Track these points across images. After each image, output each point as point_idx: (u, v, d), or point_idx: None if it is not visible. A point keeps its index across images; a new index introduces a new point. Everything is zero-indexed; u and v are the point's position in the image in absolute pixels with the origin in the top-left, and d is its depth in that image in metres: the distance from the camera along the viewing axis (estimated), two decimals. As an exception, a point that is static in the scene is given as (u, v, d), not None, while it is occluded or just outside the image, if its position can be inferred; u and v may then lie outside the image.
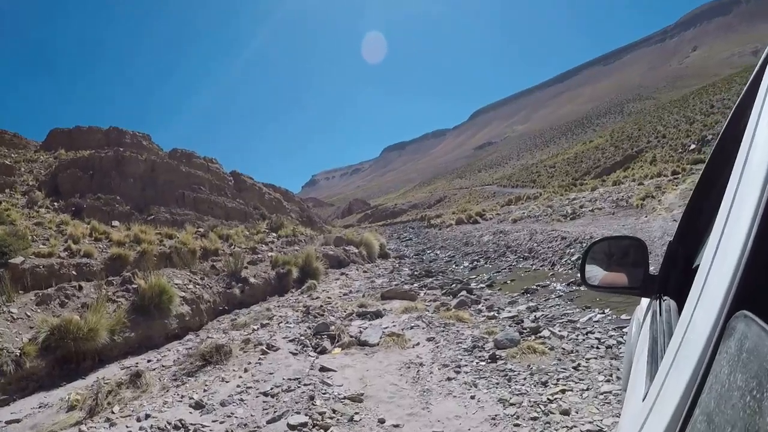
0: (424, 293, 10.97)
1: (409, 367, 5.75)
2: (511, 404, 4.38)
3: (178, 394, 5.32)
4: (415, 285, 12.40)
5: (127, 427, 4.54)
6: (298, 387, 5.29)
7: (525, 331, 6.70)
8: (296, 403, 4.85)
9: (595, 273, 2.13)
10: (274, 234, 22.75)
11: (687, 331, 0.82)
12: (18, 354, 6.08)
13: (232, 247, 16.57)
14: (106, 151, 31.76)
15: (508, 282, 11.69)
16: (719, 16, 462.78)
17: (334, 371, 5.81)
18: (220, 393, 5.27)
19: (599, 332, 6.43)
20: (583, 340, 6.16)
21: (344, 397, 4.96)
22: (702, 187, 1.70)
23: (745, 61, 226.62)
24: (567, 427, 3.88)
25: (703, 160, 34.91)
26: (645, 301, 2.19)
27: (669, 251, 1.83)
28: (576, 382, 4.71)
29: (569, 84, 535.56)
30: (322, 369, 5.88)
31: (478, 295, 10.12)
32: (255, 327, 8.55)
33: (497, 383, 4.91)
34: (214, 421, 4.58)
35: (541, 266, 13.08)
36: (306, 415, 4.51)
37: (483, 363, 5.57)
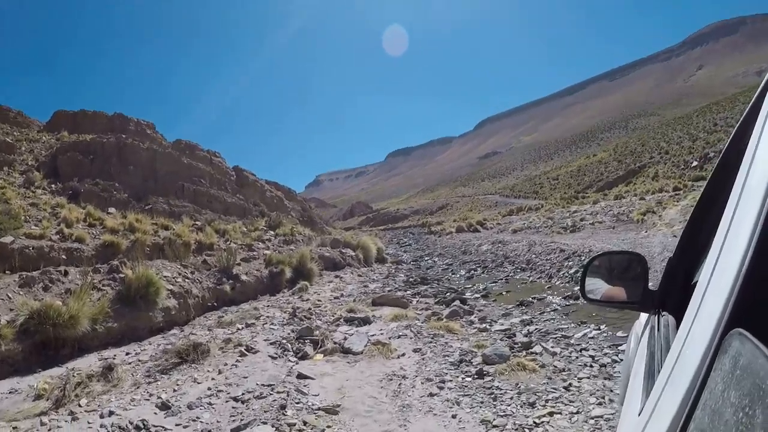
0: (417, 301, 10.68)
1: (391, 379, 5.46)
2: (495, 426, 4.07)
3: (147, 392, 5.12)
4: (409, 292, 12.11)
5: (89, 423, 4.36)
6: (271, 394, 5.02)
7: (516, 345, 6.39)
8: (265, 411, 4.58)
9: (595, 287, 2.12)
10: (272, 232, 22.50)
11: (684, 346, 0.83)
12: (-6, 335, 5.88)
13: (228, 242, 16.35)
14: (109, 137, 31.58)
15: (504, 293, 11.39)
16: (726, 36, 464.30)
17: (312, 379, 5.53)
18: (189, 394, 5.05)
19: (594, 349, 6.13)
20: (577, 357, 5.86)
21: (318, 408, 4.68)
22: (702, 204, 1.73)
23: (749, 81, 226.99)
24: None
25: (705, 177, 34.83)
26: (644, 316, 2.17)
27: (668, 267, 1.82)
28: (566, 404, 4.40)
29: (575, 98, 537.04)
30: (300, 376, 5.61)
31: (471, 305, 9.82)
32: (240, 326, 8.32)
33: (482, 402, 4.59)
34: (177, 425, 4.34)
35: (539, 278, 12.79)
36: (273, 426, 4.23)
37: (469, 379, 5.26)
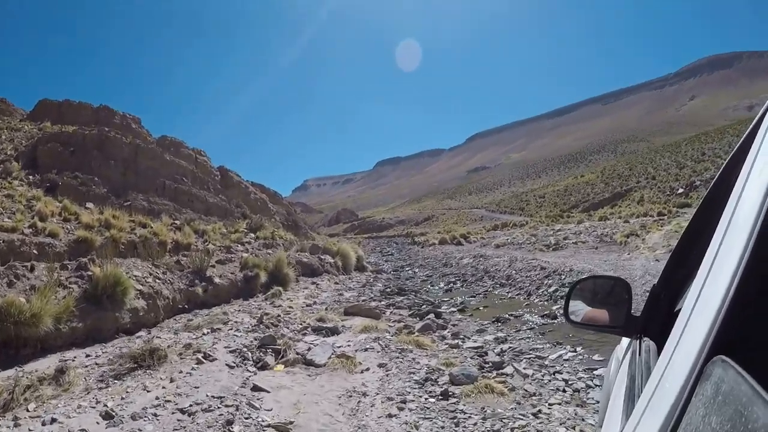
0: (391, 312, 10.35)
1: (350, 396, 5.10)
2: (453, 456, 3.75)
3: (95, 399, 4.76)
4: (383, 302, 11.77)
5: (30, 430, 4.07)
6: (219, 407, 4.64)
7: (487, 365, 6.06)
8: (209, 427, 4.21)
9: (579, 309, 2.11)
10: (253, 235, 22.01)
11: (665, 372, 0.83)
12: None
13: (207, 243, 15.88)
14: (91, 129, 30.89)
15: (481, 308, 11.10)
16: (720, 69, 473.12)
17: (267, 392, 5.16)
18: (136, 403, 4.68)
19: (568, 372, 5.84)
20: (549, 381, 5.55)
21: (269, 425, 4.32)
22: (689, 234, 1.75)
23: (740, 115, 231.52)
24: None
25: (690, 204, 35.03)
26: (625, 341, 2.19)
27: (652, 294, 1.83)
28: (532, 434, 4.08)
29: (567, 118, 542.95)
30: (255, 388, 5.23)
31: (446, 319, 9.52)
32: (206, 331, 7.93)
33: (442, 427, 4.23)
34: (117, 437, 3.96)
35: (517, 295, 12.54)
36: (214, 443, 3.86)
37: (432, 400, 4.90)
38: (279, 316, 9.25)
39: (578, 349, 6.89)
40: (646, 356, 1.42)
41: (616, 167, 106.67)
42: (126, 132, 34.90)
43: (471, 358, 6.49)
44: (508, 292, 13.06)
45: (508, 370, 5.87)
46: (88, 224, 12.58)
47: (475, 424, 4.28)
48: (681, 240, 1.81)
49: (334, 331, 8.02)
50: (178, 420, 4.37)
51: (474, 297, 12.95)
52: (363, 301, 11.79)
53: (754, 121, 1.06)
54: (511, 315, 9.84)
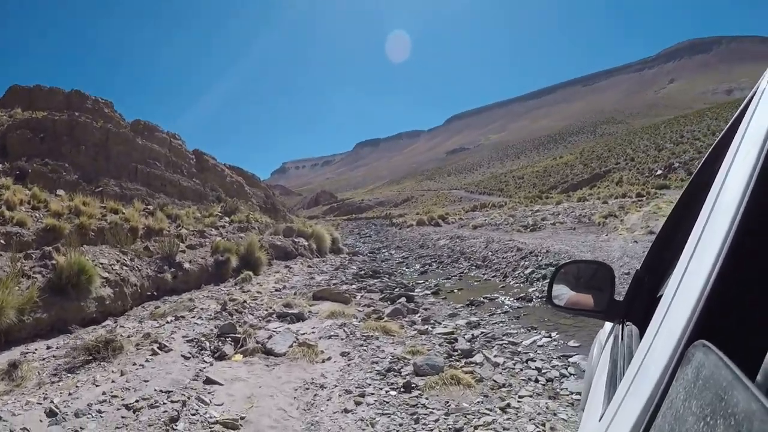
0: (361, 296, 10.00)
1: (307, 389, 4.74)
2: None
3: (44, 395, 4.42)
4: (355, 286, 11.42)
5: None
6: (166, 402, 4.25)
7: (455, 353, 5.73)
8: (150, 425, 3.82)
9: (563, 293, 2.11)
10: (227, 218, 21.45)
11: (646, 356, 0.84)
12: None
13: (180, 228, 15.31)
14: (61, 115, 29.88)
15: (456, 291, 10.83)
16: (699, 54, 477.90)
17: (221, 385, 4.78)
18: (82, 399, 4.30)
19: (541, 360, 5.57)
20: (521, 369, 5.24)
21: (217, 422, 3.96)
22: (673, 219, 1.78)
23: (718, 98, 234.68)
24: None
25: (668, 185, 35.19)
26: (608, 325, 2.23)
27: (635, 280, 1.84)
28: (498, 432, 3.76)
29: (547, 100, 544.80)
30: (207, 381, 4.84)
31: (418, 303, 9.22)
32: (170, 319, 7.55)
33: (400, 424, 3.88)
34: (56, 436, 3.61)
35: (493, 277, 12.29)
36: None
37: (393, 393, 4.55)
38: (245, 302, 8.85)
39: (553, 334, 6.65)
40: (628, 340, 1.44)
41: (595, 149, 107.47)
42: (98, 117, 33.84)
43: (440, 345, 6.16)
44: (483, 274, 12.82)
45: (478, 358, 5.55)
46: (57, 212, 12.07)
47: (436, 420, 3.94)
48: (665, 225, 1.84)
49: (299, 318, 7.64)
50: (122, 417, 4.01)
51: (449, 279, 12.67)
52: (334, 284, 11.43)
53: (740, 108, 1.06)
54: (486, 298, 9.57)
